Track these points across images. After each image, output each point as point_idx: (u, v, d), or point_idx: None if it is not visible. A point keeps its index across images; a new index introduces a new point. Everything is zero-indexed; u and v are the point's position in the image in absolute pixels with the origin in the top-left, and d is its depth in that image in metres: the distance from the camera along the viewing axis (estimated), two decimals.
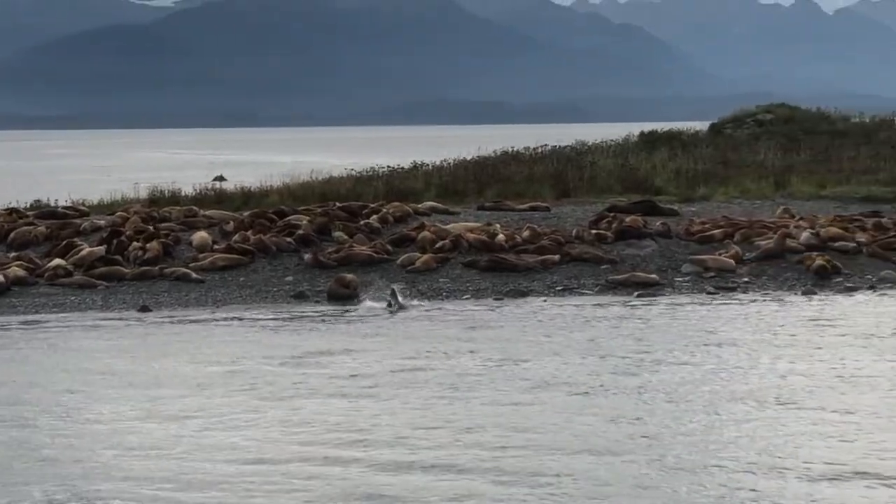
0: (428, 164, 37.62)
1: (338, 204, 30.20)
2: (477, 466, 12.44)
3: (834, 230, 27.66)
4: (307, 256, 26.13)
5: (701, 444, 13.09)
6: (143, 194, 34.18)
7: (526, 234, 27.59)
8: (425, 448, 13.13)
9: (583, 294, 23.98)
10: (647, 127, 45.51)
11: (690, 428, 13.79)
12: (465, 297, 23.88)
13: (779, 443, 13.08)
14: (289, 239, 27.21)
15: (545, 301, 23.34)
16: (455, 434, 13.68)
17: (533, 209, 31.05)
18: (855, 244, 26.79)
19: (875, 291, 23.94)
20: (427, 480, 12.05)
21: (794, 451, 12.75)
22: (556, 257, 25.99)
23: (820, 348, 18.39)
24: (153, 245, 26.61)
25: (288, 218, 28.75)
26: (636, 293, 23.94)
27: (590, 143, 40.81)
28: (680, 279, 25.03)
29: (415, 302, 23.28)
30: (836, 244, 26.77)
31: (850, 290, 24.06)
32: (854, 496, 11.43)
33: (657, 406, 14.84)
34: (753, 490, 11.61)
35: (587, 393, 15.63)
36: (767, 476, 11.97)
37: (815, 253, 25.94)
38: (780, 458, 12.54)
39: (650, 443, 13.18)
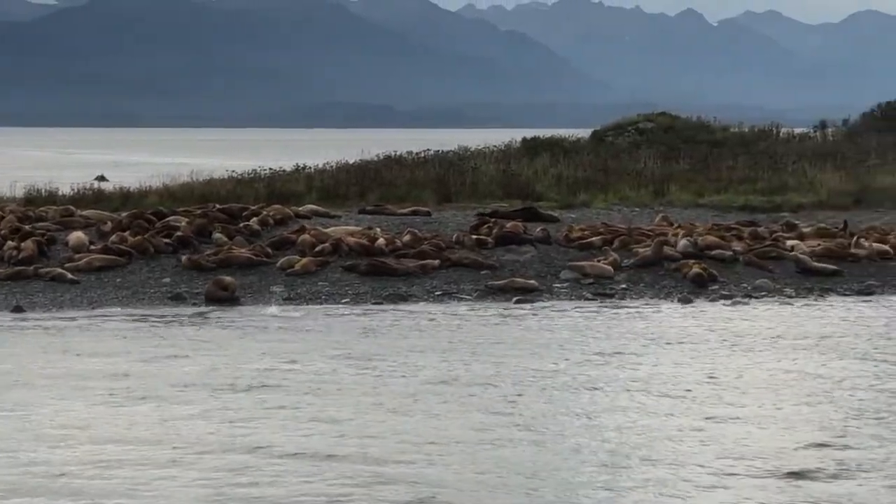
0: (310, 167, 37.48)
1: (217, 206, 29.95)
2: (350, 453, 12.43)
3: (711, 238, 27.95)
4: (184, 258, 25.87)
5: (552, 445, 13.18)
6: (20, 193, 33.61)
7: (406, 238, 27.55)
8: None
9: (462, 299, 23.98)
10: (535, 133, 45.69)
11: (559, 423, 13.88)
12: (343, 300, 23.77)
13: (646, 439, 13.21)
14: (167, 240, 26.92)
15: (424, 305, 23.31)
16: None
17: (414, 213, 31.03)
18: (731, 253, 27.10)
19: (750, 299, 24.21)
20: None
21: (672, 447, 12.89)
22: (436, 262, 25.99)
23: (694, 354, 18.56)
24: (28, 245, 26.16)
25: (167, 219, 28.45)
26: (515, 299, 24.00)
27: (472, 149, 40.92)
28: (559, 285, 25.14)
29: (290, 306, 23.16)
30: (713, 252, 27.04)
31: (726, 297, 24.31)
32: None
33: (527, 407, 14.91)
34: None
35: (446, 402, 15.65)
36: (634, 467, 12.10)
37: (692, 261, 26.17)
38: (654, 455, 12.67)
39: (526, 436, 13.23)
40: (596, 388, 16.30)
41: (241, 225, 28.40)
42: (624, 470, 12.45)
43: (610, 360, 18.22)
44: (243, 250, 26.43)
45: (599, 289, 24.93)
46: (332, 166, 37.54)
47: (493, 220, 29.56)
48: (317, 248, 26.50)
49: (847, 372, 17.42)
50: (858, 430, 14.05)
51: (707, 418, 14.62)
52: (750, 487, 11.92)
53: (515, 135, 45.25)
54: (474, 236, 27.95)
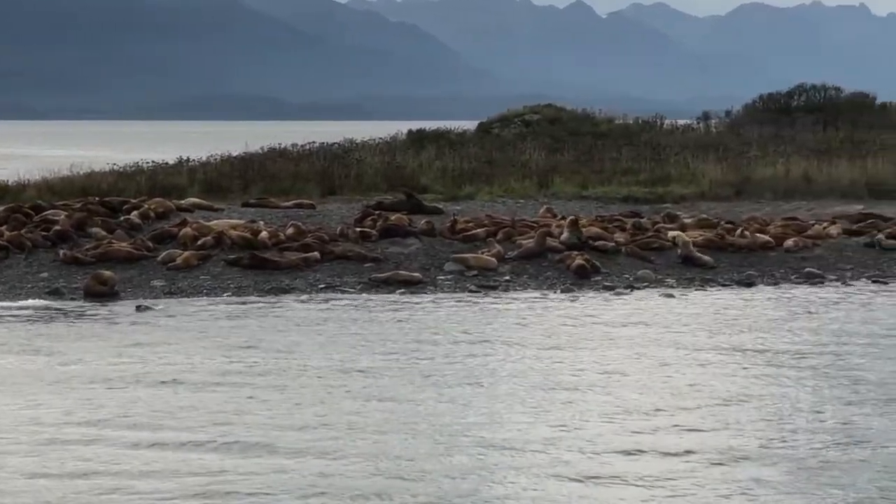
0: (193, 160, 37.12)
1: (97, 199, 29.54)
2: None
3: (594, 230, 28.13)
4: (62, 253, 25.47)
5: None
6: None
7: (290, 231, 27.39)
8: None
9: (346, 292, 23.86)
10: (426, 126, 45.69)
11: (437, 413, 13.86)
12: (226, 294, 23.54)
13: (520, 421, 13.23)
14: (45, 234, 26.49)
15: (307, 299, 23.16)
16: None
17: (298, 206, 30.87)
18: (614, 244, 27.27)
19: (632, 290, 24.36)
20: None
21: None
22: (318, 255, 25.85)
23: (578, 345, 18.64)
24: None
25: (45, 213, 28.00)
26: (399, 291, 23.94)
27: (358, 141, 40.82)
28: (443, 277, 25.11)
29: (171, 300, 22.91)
30: (596, 244, 27.21)
31: (609, 288, 24.44)
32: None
33: (407, 396, 14.88)
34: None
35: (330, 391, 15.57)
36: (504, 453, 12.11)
37: (576, 252, 26.30)
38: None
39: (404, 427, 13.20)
40: (471, 378, 16.35)
41: (122, 219, 28.06)
42: (479, 456, 12.48)
43: (489, 351, 18.24)
44: (123, 244, 26.10)
45: (483, 281, 24.93)
46: (216, 159, 37.22)
47: (377, 212, 29.49)
48: (199, 242, 26.26)
49: (720, 359, 17.63)
50: (729, 416, 14.20)
51: (581, 410, 14.70)
52: (620, 482, 11.99)
53: (406, 127, 45.22)
54: (358, 229, 27.86)
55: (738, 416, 14.44)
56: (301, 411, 14.63)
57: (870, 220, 30.83)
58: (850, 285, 25.04)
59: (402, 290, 23.96)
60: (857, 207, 33.47)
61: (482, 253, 26.38)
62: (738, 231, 28.29)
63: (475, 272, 25.47)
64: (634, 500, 11.53)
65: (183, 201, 30.22)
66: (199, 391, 15.70)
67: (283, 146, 39.26)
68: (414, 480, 11.96)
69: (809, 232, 29.33)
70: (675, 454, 12.87)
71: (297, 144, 39.25)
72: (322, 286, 24.24)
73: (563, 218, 29.54)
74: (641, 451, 12.97)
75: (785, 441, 13.40)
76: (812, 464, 12.61)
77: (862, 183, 36.03)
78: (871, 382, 16.12)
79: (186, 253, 25.63)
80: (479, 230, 28.07)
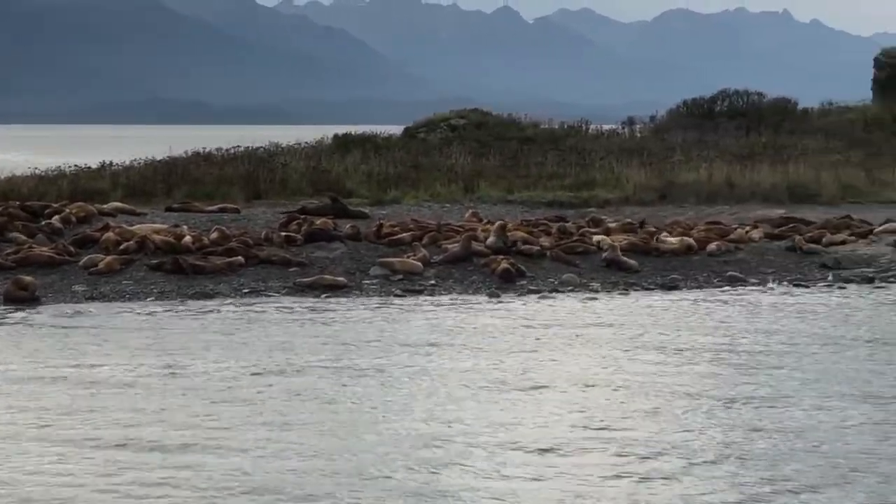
0: (116, 164, 36.82)
1: (18, 203, 29.22)
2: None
3: (519, 234, 28.20)
4: None
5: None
6: None
7: (214, 236, 27.25)
8: None
9: (270, 296, 23.75)
10: (352, 130, 45.49)
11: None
12: (149, 299, 23.36)
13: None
14: None
15: (231, 303, 23.04)
16: None
17: (222, 211, 30.72)
18: (539, 248, 27.35)
19: (557, 294, 24.42)
20: None
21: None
22: (242, 259, 25.72)
23: (500, 348, 18.66)
24: None
25: None
26: (324, 295, 23.86)
27: (284, 145, 40.66)
28: (368, 282, 25.07)
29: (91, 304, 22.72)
30: (522, 248, 27.27)
31: (534, 292, 24.49)
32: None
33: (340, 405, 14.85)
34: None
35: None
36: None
37: (501, 256, 26.35)
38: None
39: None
40: (394, 380, 16.38)
41: (43, 223, 27.79)
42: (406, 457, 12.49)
43: (412, 354, 18.22)
44: (44, 249, 25.83)
45: (409, 285, 24.91)
46: (139, 163, 36.94)
47: (302, 217, 29.40)
48: (121, 247, 26.03)
49: (643, 358, 17.78)
50: (644, 411, 14.30)
51: (503, 409, 14.74)
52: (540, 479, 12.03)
53: (333, 131, 45.03)
54: (283, 233, 27.77)
55: (653, 411, 14.60)
56: (218, 410, 14.60)
57: (791, 224, 31.15)
58: (770, 288, 25.25)
59: (328, 295, 23.89)
60: (778, 212, 33.79)
61: (408, 257, 26.37)
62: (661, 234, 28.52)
63: (401, 276, 25.45)
64: (551, 493, 11.66)
65: (105, 206, 29.98)
66: (116, 394, 15.60)
67: (207, 150, 39.01)
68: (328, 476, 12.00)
69: (732, 236, 29.58)
70: (592, 449, 13.04)
71: (221, 148, 39.02)
72: (247, 291, 24.12)
73: (489, 222, 29.61)
74: (562, 446, 13.12)
75: (695, 433, 13.57)
76: (710, 456, 12.77)
77: (783, 187, 36.37)
78: (786, 379, 16.28)
79: (108, 258, 25.40)
80: (404, 234, 28.07)
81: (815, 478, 12.04)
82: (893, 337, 19.81)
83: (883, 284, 25.66)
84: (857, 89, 53.26)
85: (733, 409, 14.83)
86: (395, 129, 45.92)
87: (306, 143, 41.68)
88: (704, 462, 12.60)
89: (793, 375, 16.72)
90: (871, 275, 26.54)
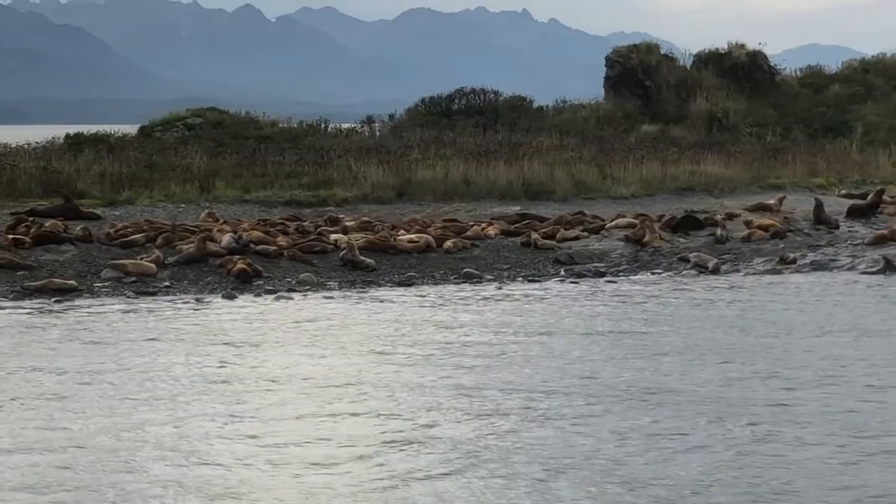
0: None
1: None
2: None
3: (256, 234, 27.98)
4: None
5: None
6: None
7: None
8: None
9: None
10: (87, 129, 44.38)
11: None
12: None
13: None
14: None
15: None
16: None
17: None
18: (276, 248, 27.17)
19: (294, 294, 24.26)
20: None
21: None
22: None
23: (224, 349, 18.46)
24: None
25: None
26: (53, 299, 23.20)
27: (13, 146, 39.45)
28: (100, 284, 24.49)
29: None
30: (258, 248, 27.06)
31: (270, 292, 24.28)
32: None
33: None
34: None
35: None
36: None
37: (237, 257, 26.08)
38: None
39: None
40: (122, 381, 16.07)
41: None
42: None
43: (142, 355, 17.90)
44: None
45: (142, 287, 24.43)
46: None
47: (31, 219, 28.59)
48: None
49: (382, 355, 17.78)
50: (386, 405, 14.32)
51: (232, 414, 14.56)
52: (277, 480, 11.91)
53: (68, 131, 43.88)
54: (10, 236, 26.94)
55: (393, 405, 14.67)
56: None
57: (526, 221, 31.67)
58: (505, 284, 25.57)
59: (58, 298, 23.23)
60: (514, 208, 34.36)
61: (141, 259, 25.88)
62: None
63: (134, 278, 24.96)
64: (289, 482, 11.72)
65: None
66: None
67: None
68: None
69: (468, 233, 29.92)
70: (331, 443, 13.08)
71: None
72: None
73: (225, 222, 29.30)
74: (305, 442, 13.17)
75: (437, 429, 13.66)
76: (467, 449, 12.90)
77: (519, 184, 36.97)
78: (518, 375, 16.53)
79: None
80: (137, 235, 27.55)
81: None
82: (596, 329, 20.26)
83: (613, 279, 26.23)
84: (593, 87, 54.51)
85: (476, 401, 14.95)
86: (133, 129, 45.04)
87: (37, 143, 40.52)
88: (468, 453, 12.66)
89: (515, 365, 16.98)
90: (602, 269, 27.13)
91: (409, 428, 13.77)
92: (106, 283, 24.65)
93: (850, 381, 16.09)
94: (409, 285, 25.35)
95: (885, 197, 34.23)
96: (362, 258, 26.84)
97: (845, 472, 12.15)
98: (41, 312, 21.96)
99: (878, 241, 29.36)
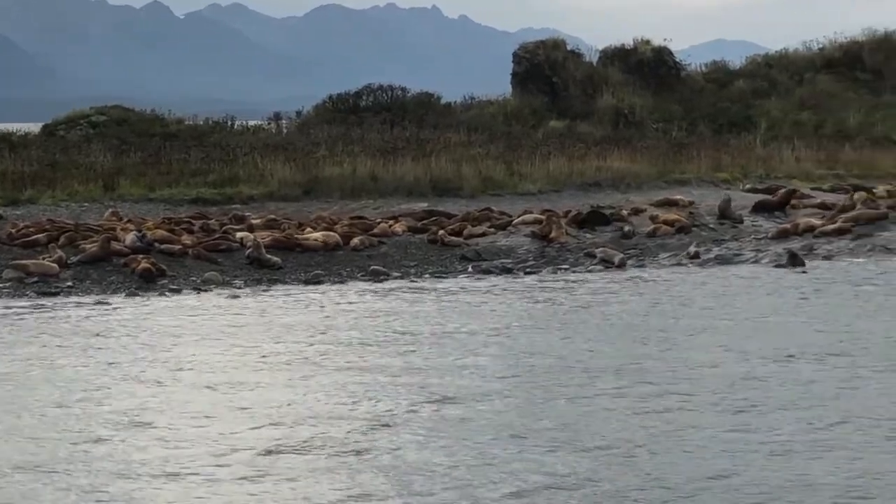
0: None
1: None
2: None
3: (161, 232, 27.78)
4: None
5: None
6: None
7: None
8: None
9: None
10: None
11: None
12: None
13: None
14: None
15: None
16: None
17: None
18: (181, 246, 26.97)
19: (199, 293, 24.07)
20: None
21: None
22: None
23: (126, 349, 18.29)
24: None
25: None
26: None
27: None
28: (1, 285, 24.17)
29: None
30: (163, 247, 26.86)
31: (175, 291, 24.09)
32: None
33: None
34: None
35: None
36: None
37: (141, 256, 25.85)
38: None
39: None
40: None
41: None
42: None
43: (41, 356, 17.68)
44: None
45: (45, 287, 24.13)
46: None
47: None
48: None
49: (280, 358, 17.67)
50: (270, 411, 14.24)
51: (126, 412, 14.43)
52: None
53: None
54: None
55: (279, 410, 14.53)
56: None
57: (433, 218, 31.71)
58: (414, 281, 25.54)
59: None
60: (421, 205, 34.37)
61: (43, 259, 25.58)
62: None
63: (36, 279, 24.66)
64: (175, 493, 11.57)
65: None
66: None
67: None
68: None
69: (375, 230, 29.89)
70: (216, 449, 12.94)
71: None
72: None
73: (129, 221, 29.05)
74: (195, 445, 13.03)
75: (327, 430, 13.59)
76: (352, 448, 12.87)
77: (426, 181, 36.97)
78: (408, 373, 16.53)
79: None
80: (39, 235, 27.24)
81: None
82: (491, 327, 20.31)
83: (520, 275, 26.28)
84: (502, 83, 54.57)
85: (362, 403, 14.93)
86: (34, 127, 44.49)
87: None
88: (350, 454, 12.62)
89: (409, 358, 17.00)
90: (509, 265, 27.18)
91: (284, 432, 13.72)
92: (7, 284, 24.33)
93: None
94: (317, 283, 25.22)
95: (793, 200, 34.10)
96: (268, 256, 26.70)
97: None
98: None
99: (782, 235, 29.72)
